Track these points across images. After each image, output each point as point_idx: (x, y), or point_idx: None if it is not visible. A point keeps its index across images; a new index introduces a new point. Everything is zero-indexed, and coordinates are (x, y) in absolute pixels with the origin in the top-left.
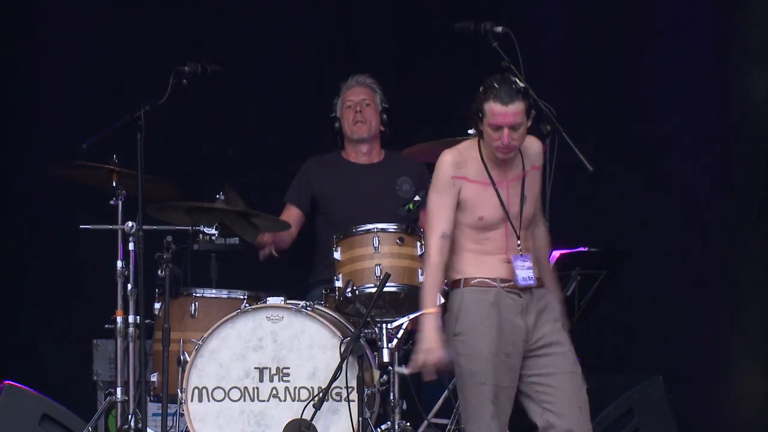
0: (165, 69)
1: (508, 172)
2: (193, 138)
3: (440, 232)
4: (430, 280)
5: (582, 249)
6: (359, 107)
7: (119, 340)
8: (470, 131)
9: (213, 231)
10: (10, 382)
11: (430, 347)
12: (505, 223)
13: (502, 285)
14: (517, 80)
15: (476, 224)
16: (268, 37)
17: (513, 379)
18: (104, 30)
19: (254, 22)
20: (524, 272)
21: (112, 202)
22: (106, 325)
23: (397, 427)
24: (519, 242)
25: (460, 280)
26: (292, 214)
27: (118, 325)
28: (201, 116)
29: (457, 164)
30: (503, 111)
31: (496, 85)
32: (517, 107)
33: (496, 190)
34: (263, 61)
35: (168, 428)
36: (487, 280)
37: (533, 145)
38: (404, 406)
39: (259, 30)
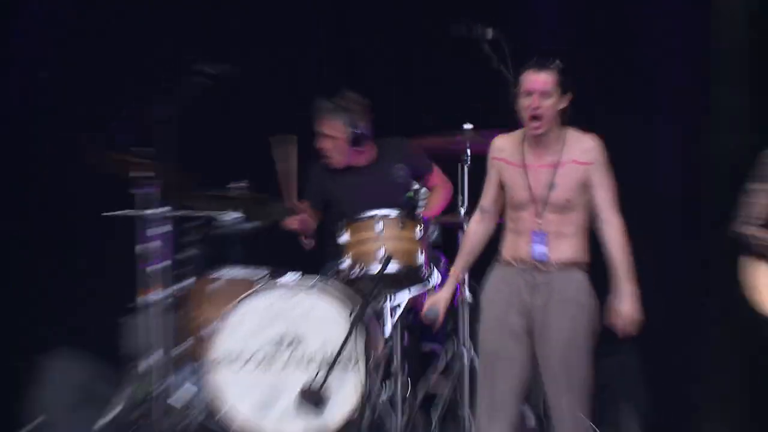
0: (179, 69)
1: (542, 158)
2: (210, 133)
3: (480, 205)
4: (461, 246)
5: None
6: (325, 147)
7: (147, 316)
8: (466, 125)
9: (237, 215)
10: (64, 347)
11: (429, 300)
12: (532, 204)
13: (521, 265)
14: (559, 61)
15: (510, 203)
16: (268, 38)
17: (520, 353)
18: (130, 27)
19: (253, 23)
20: (538, 247)
21: (135, 191)
22: (133, 303)
23: (399, 388)
24: (540, 221)
25: (496, 257)
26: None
27: (145, 302)
28: (214, 115)
29: (500, 147)
30: (534, 77)
31: (534, 59)
32: (547, 75)
33: (525, 173)
34: (266, 61)
35: (192, 396)
36: (509, 259)
37: (583, 141)
38: (406, 370)
39: (258, 31)
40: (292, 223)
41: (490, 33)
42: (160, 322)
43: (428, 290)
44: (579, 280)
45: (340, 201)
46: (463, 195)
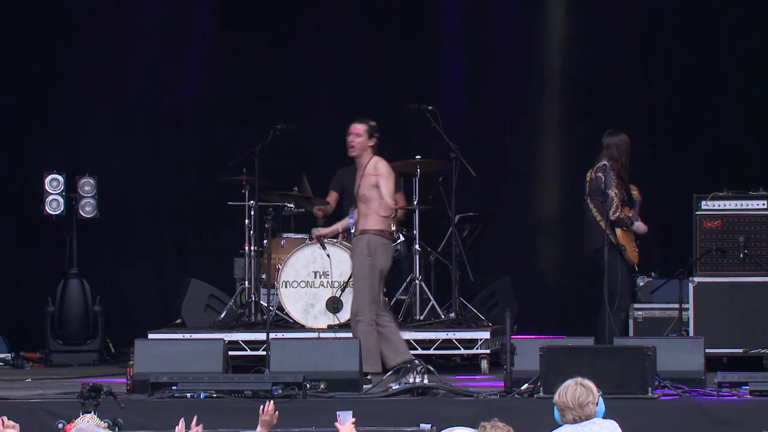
0: (269, 123)
1: (359, 173)
2: (279, 160)
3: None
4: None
5: (471, 213)
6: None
7: (247, 258)
8: (418, 157)
9: (292, 205)
10: (195, 279)
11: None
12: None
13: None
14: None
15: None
16: (316, 100)
17: None
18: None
19: (302, 89)
20: (351, 222)
21: (243, 191)
22: (240, 251)
23: (382, 298)
24: (354, 207)
25: None
26: (332, 196)
27: (247, 250)
28: (281, 150)
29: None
30: (353, 126)
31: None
32: (358, 127)
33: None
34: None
35: (270, 301)
36: None
37: (376, 163)
38: (384, 290)
39: (308, 94)
40: (317, 210)
41: (429, 106)
42: (254, 261)
43: (396, 244)
44: (368, 239)
45: (349, 190)
46: (416, 194)
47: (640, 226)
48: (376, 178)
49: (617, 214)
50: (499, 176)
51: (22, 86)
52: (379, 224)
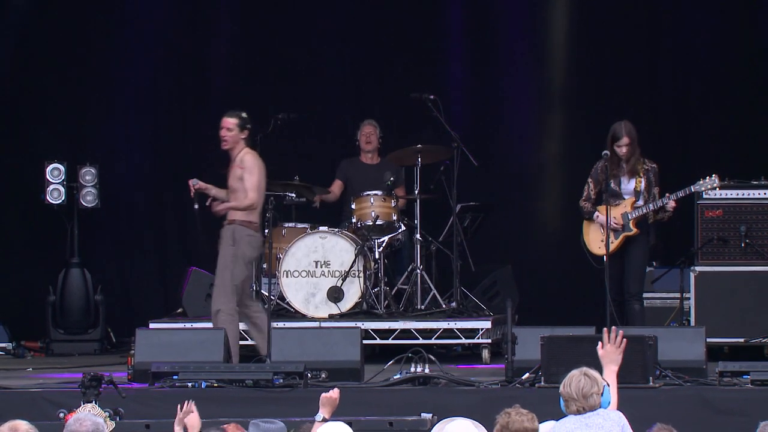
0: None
1: (231, 166)
2: (282, 150)
3: None
4: None
5: (473, 203)
6: (368, 138)
7: None
8: (418, 144)
9: (293, 194)
10: (195, 268)
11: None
12: None
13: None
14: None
15: None
16: (319, 91)
17: None
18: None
19: (304, 78)
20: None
21: None
22: None
23: (383, 287)
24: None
25: None
26: (337, 185)
27: None
28: (284, 140)
29: None
30: (224, 119)
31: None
32: (229, 121)
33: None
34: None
35: (271, 291)
36: None
37: (243, 156)
38: (385, 280)
39: (310, 84)
40: (318, 199)
41: (431, 95)
42: None
43: (397, 234)
44: (233, 229)
45: (353, 181)
46: (417, 183)
47: (601, 218)
48: (241, 171)
49: (581, 202)
50: (501, 165)
51: (24, 75)
52: (245, 216)
